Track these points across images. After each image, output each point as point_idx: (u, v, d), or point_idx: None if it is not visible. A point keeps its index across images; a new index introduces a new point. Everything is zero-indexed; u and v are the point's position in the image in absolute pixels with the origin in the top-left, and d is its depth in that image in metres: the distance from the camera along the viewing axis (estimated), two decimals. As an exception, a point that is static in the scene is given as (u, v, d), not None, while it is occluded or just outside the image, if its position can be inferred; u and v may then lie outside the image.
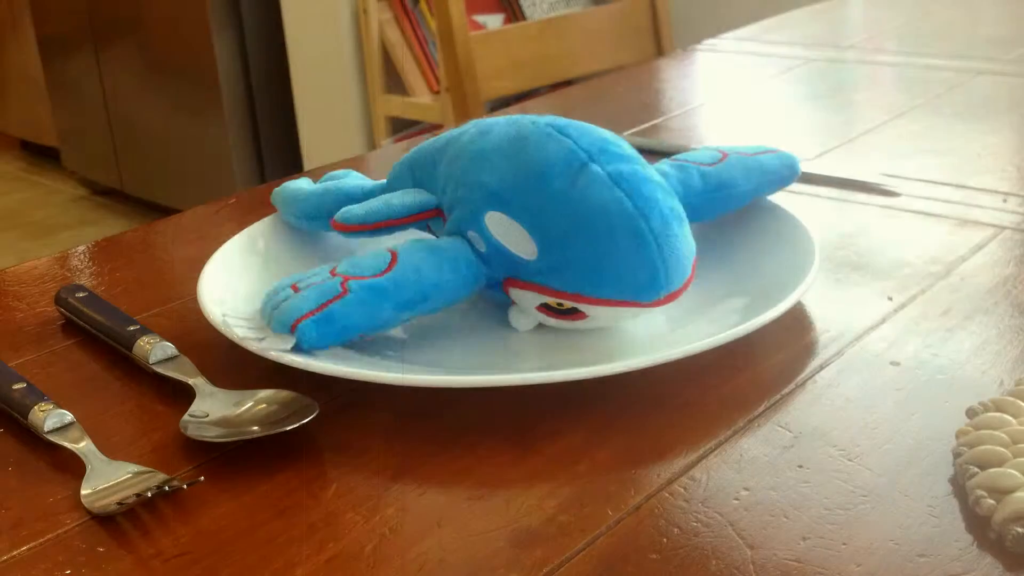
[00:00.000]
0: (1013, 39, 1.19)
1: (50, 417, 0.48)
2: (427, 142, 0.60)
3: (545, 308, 0.53)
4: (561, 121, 0.55)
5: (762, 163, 0.64)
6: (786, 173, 0.65)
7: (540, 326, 0.56)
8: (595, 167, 0.52)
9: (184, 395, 0.50)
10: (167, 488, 0.43)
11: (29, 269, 0.69)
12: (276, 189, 0.66)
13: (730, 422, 0.47)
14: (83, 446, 0.46)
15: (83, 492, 0.44)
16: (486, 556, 0.39)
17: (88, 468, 0.45)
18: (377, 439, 0.47)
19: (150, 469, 0.45)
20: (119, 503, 0.42)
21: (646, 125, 0.93)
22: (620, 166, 0.53)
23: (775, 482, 0.43)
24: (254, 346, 0.50)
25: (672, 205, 0.53)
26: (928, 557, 0.38)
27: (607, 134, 0.55)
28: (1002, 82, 1.01)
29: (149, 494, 0.43)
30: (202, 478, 0.44)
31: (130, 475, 0.44)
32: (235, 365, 0.53)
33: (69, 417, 0.48)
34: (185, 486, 0.43)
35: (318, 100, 2.56)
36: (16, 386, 0.50)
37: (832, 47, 1.20)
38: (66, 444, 0.47)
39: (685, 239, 0.53)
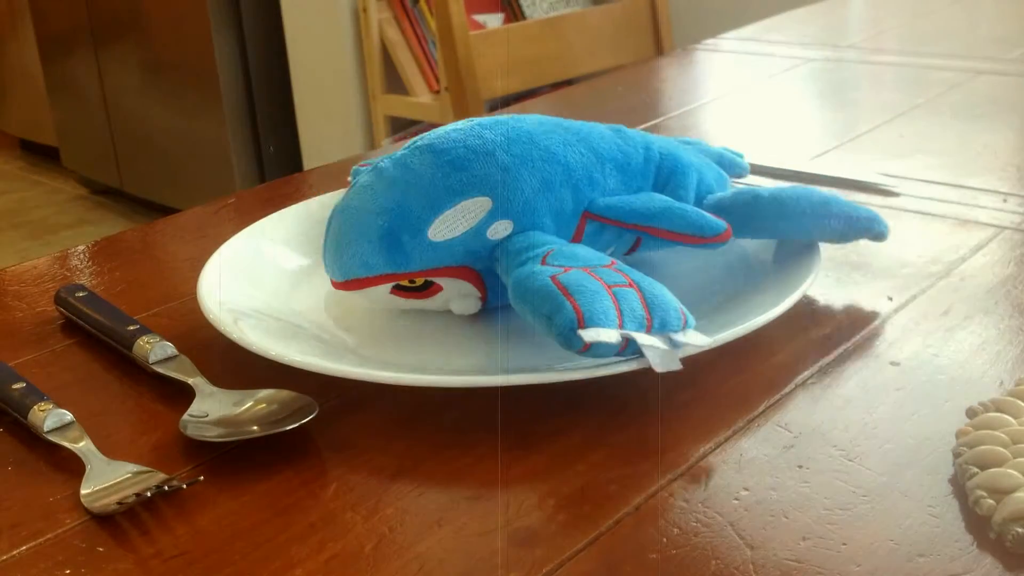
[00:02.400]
0: (1013, 39, 1.19)
1: (50, 417, 0.48)
2: None
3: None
4: (490, 121, 0.56)
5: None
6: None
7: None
8: (384, 160, 0.55)
9: (184, 395, 0.50)
10: (167, 488, 0.43)
11: (29, 269, 0.69)
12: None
13: (730, 422, 0.47)
14: (82, 446, 0.46)
15: (83, 492, 0.44)
16: (486, 556, 0.39)
17: (88, 468, 0.45)
18: (377, 439, 0.47)
19: (149, 469, 0.45)
20: (119, 503, 0.42)
21: (646, 125, 0.93)
22: (389, 168, 0.54)
23: (775, 482, 0.43)
24: None
25: (372, 217, 0.52)
26: (928, 557, 0.38)
27: (489, 138, 0.54)
28: (1002, 82, 1.01)
29: (148, 494, 0.42)
30: (201, 478, 0.44)
31: (130, 475, 0.44)
32: (235, 365, 0.53)
33: (69, 417, 0.48)
34: (184, 486, 0.43)
35: (318, 99, 2.56)
36: (16, 385, 0.50)
37: (832, 47, 1.20)
38: (66, 444, 0.47)
39: (348, 248, 0.53)
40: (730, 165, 0.67)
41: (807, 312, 0.57)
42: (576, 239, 0.55)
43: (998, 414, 0.44)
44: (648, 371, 0.49)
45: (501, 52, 1.54)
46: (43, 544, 0.41)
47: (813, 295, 0.58)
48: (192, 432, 0.47)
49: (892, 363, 0.51)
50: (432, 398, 0.50)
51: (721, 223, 0.55)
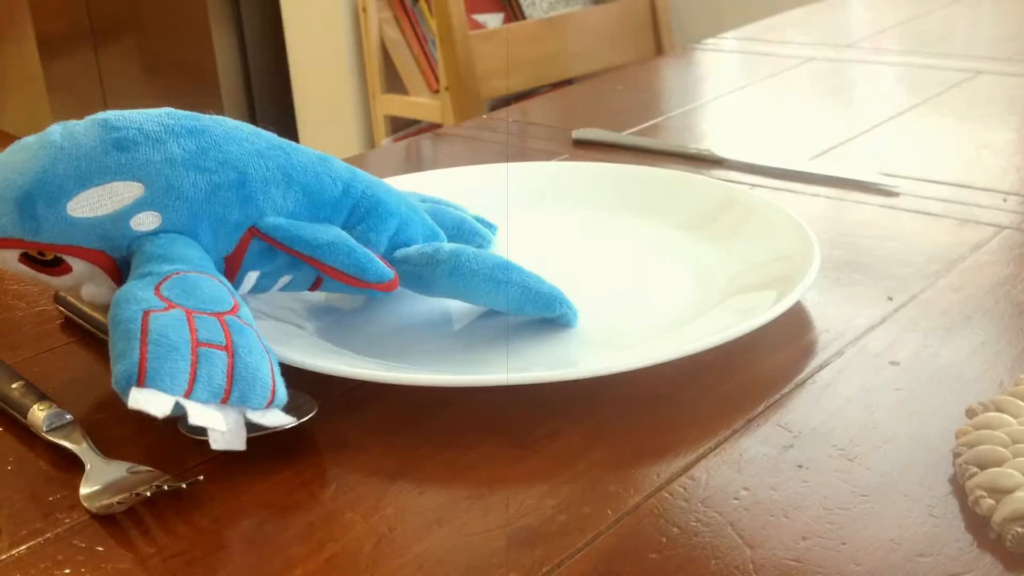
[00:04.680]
0: (1013, 38, 1.19)
1: (49, 416, 0.48)
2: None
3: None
4: (182, 114, 0.53)
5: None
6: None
7: (537, 326, 0.56)
8: (58, 125, 0.51)
9: (183, 394, 0.50)
10: (166, 487, 0.43)
11: (28, 268, 0.69)
12: None
13: (730, 422, 0.47)
14: (82, 445, 0.46)
15: (82, 491, 0.44)
16: (486, 556, 0.39)
17: (87, 467, 0.45)
18: (377, 439, 0.47)
19: (149, 468, 0.45)
20: (118, 502, 0.42)
21: (646, 124, 0.93)
22: (55, 132, 0.51)
23: (775, 482, 0.43)
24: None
25: (15, 176, 0.49)
26: (928, 557, 0.38)
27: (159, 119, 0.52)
28: (1002, 81, 1.01)
29: (148, 493, 0.42)
30: (201, 477, 0.44)
31: (129, 474, 0.44)
32: (234, 364, 0.52)
33: (68, 416, 0.48)
34: (184, 485, 0.43)
35: (318, 99, 2.56)
36: (15, 384, 0.50)
37: (832, 47, 1.20)
38: (65, 443, 0.47)
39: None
40: (471, 234, 0.63)
41: (807, 312, 0.57)
42: (238, 254, 0.52)
43: (998, 414, 0.44)
44: (648, 371, 0.49)
45: (501, 52, 1.54)
46: (43, 543, 0.41)
47: (813, 295, 0.58)
48: (191, 431, 0.47)
49: (892, 363, 0.51)
50: (431, 397, 0.50)
51: (388, 271, 0.53)
